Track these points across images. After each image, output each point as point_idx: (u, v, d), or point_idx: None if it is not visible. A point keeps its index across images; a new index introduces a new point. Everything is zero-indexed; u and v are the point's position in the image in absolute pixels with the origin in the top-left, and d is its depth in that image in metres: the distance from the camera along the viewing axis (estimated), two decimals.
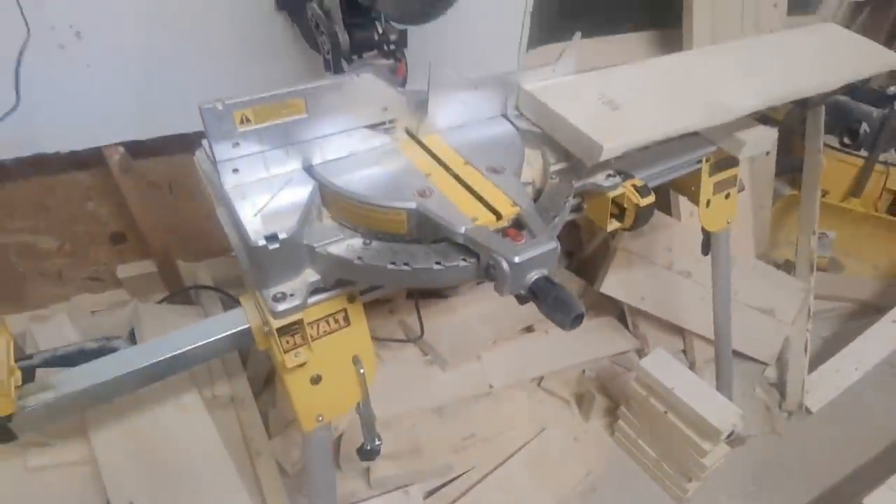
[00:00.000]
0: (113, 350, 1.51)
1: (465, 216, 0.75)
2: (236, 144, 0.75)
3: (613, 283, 1.86)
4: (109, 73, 1.24)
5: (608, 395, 1.86)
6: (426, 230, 0.77)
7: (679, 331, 2.01)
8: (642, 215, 1.03)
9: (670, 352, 1.67)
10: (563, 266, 2.13)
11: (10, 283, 1.60)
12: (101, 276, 1.72)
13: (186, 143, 1.49)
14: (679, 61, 1.11)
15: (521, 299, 0.73)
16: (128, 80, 1.27)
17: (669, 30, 2.02)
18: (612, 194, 1.00)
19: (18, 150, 1.26)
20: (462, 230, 0.72)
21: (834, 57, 1.24)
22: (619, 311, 2.05)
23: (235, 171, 0.77)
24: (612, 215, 1.05)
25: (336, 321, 0.85)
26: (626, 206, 1.02)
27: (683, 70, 1.06)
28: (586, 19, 1.89)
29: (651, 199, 1.03)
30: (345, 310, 0.85)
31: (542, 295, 0.69)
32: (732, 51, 1.16)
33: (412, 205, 0.76)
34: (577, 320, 0.67)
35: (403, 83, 1.05)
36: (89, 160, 1.43)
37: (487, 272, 0.72)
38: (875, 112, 2.60)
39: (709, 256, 1.55)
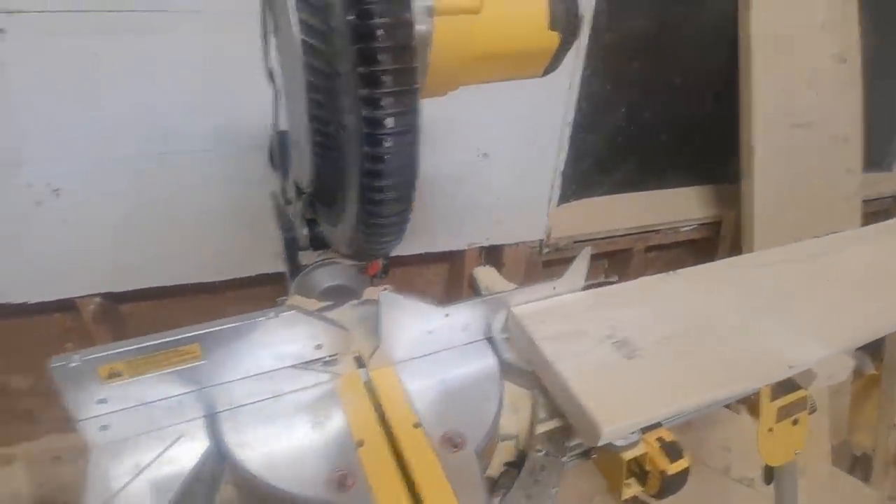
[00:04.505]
0: None
1: None
2: (102, 401, 0.57)
3: None
4: (87, 228, 1.16)
5: None
6: None
7: None
8: (671, 485, 0.77)
9: None
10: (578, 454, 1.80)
11: None
12: None
13: (174, 291, 1.39)
14: (725, 276, 0.87)
15: None
16: (106, 236, 1.19)
17: (724, 186, 1.80)
18: (627, 455, 0.75)
19: None
20: None
21: None
22: None
23: (104, 427, 0.59)
24: (631, 473, 0.79)
25: None
26: (648, 468, 0.77)
27: (728, 293, 0.82)
28: (625, 172, 1.72)
29: (684, 463, 0.76)
30: None
31: None
32: (795, 260, 0.91)
33: (323, 500, 0.55)
34: None
35: (374, 279, 0.88)
36: (67, 304, 1.34)
37: None
38: None
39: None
